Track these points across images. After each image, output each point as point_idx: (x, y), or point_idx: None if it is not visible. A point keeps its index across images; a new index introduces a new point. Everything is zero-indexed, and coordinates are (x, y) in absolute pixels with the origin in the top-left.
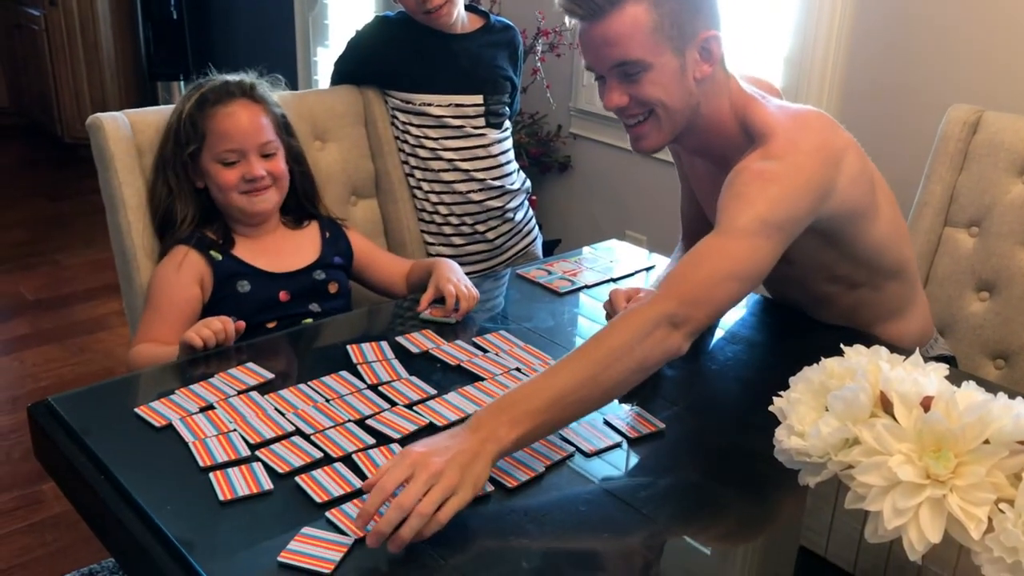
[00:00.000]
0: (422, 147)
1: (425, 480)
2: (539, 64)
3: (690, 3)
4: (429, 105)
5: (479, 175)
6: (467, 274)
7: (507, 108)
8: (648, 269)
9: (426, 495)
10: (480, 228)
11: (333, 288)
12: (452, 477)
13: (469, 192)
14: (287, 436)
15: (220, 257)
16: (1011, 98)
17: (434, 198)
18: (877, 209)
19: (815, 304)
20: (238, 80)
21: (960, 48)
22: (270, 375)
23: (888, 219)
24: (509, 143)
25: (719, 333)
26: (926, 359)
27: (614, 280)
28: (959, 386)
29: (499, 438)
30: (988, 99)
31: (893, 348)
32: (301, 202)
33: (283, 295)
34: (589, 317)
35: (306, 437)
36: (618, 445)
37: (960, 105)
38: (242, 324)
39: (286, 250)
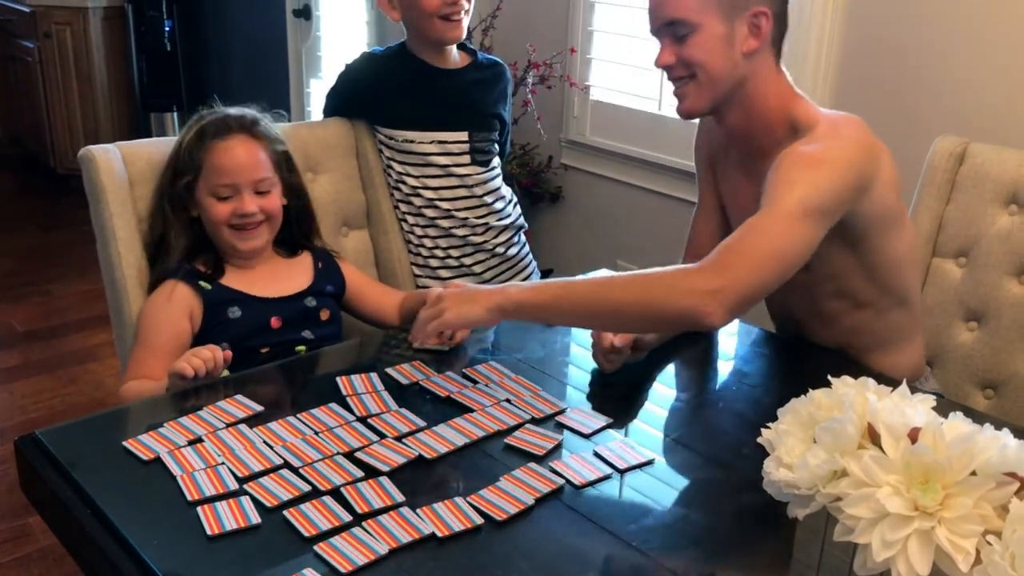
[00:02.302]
0: (404, 183)
1: (436, 305)
2: (530, 96)
3: None
4: (411, 142)
5: (460, 213)
6: None
7: (495, 146)
8: None
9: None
10: (467, 262)
11: (325, 315)
12: (444, 306)
13: (452, 228)
14: (275, 469)
15: (209, 286)
16: (996, 130)
17: (419, 231)
18: (903, 223)
19: (816, 320)
20: (239, 115)
21: (946, 80)
22: (259, 408)
23: (909, 239)
24: (496, 181)
25: (709, 364)
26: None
27: None
28: (947, 417)
29: (507, 292)
30: (974, 131)
31: (883, 380)
32: (295, 235)
33: (275, 321)
34: (581, 346)
35: (294, 470)
36: (608, 477)
37: (946, 136)
38: (229, 353)
39: (278, 277)
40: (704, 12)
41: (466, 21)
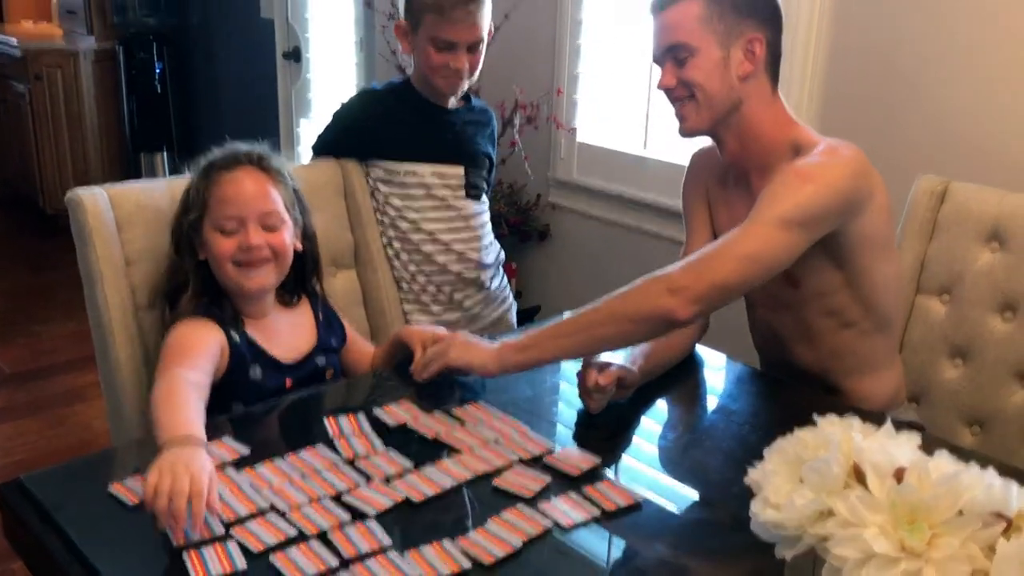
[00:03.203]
0: (403, 218)
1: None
2: (517, 136)
3: (743, 6)
4: (414, 173)
5: (458, 246)
6: None
7: (485, 183)
8: None
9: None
10: (457, 296)
11: (330, 374)
12: (446, 346)
13: (447, 263)
14: (262, 513)
15: (238, 338)
16: (976, 169)
17: (412, 267)
18: (892, 248)
19: (801, 339)
20: (249, 149)
21: (927, 119)
22: (246, 450)
23: (896, 265)
24: (487, 216)
25: (696, 402)
26: (894, 423)
27: None
28: (931, 454)
29: (505, 344)
30: (955, 169)
31: (864, 407)
32: (300, 281)
33: (288, 382)
34: (569, 382)
35: (281, 514)
36: (596, 518)
37: (928, 176)
38: (216, 505)
39: (288, 333)
40: (702, 37)
41: (467, 84)
